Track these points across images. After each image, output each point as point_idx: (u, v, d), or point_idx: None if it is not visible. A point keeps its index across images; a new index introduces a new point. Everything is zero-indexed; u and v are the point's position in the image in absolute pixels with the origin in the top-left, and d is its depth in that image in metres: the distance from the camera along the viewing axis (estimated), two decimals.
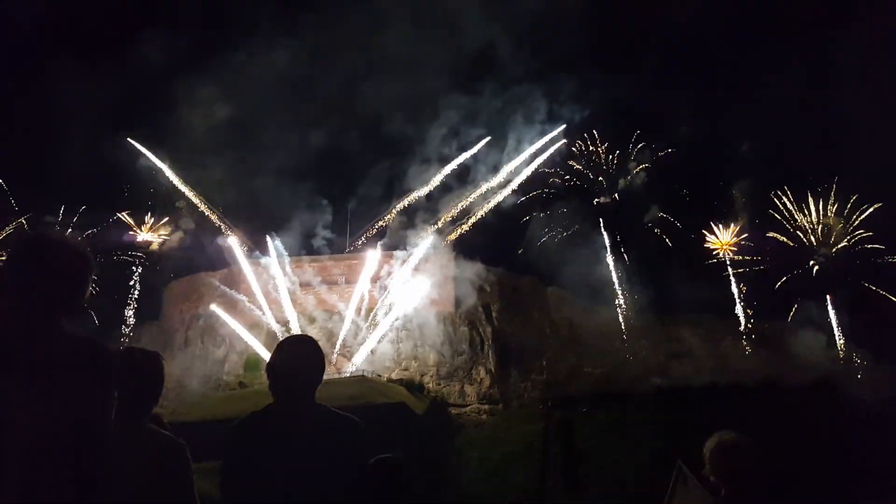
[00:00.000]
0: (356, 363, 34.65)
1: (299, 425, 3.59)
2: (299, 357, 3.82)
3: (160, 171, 41.63)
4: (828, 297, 39.58)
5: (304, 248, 42.13)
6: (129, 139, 41.26)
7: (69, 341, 2.21)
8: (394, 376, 32.89)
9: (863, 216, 40.92)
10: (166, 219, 42.77)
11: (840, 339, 38.02)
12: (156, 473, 3.30)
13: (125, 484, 2.84)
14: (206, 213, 41.52)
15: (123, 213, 42.15)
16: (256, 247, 40.83)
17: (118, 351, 3.58)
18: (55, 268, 2.26)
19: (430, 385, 33.39)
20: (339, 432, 3.70)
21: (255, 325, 36.00)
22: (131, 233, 42.38)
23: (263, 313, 36.98)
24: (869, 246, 40.48)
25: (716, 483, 3.97)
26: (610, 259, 42.56)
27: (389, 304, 37.14)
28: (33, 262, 2.26)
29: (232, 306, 36.97)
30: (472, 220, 42.16)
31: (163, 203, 42.64)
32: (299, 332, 35.92)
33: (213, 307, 35.86)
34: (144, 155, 41.37)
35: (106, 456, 2.25)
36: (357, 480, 3.75)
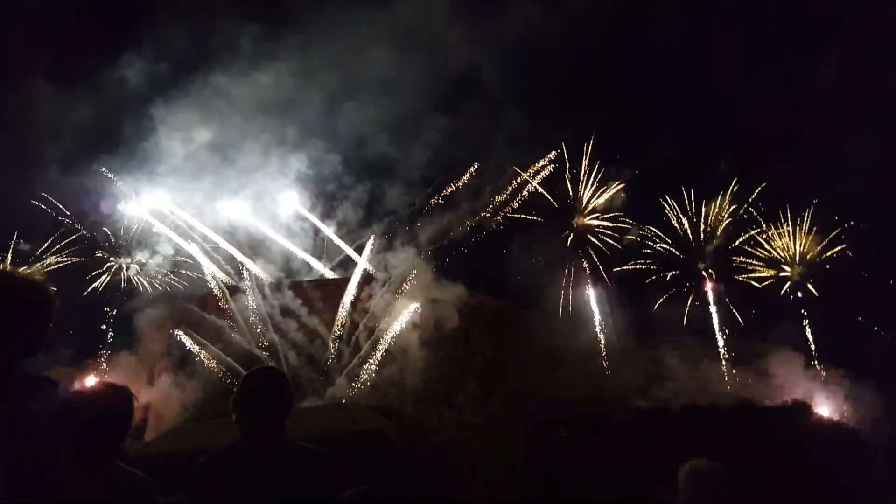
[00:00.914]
0: (335, 390, 34.32)
1: (266, 461, 3.53)
2: (265, 390, 3.76)
3: (135, 198, 41.25)
4: (804, 317, 40.13)
5: (284, 272, 41.98)
6: (103, 169, 40.84)
7: (27, 382, 2.16)
8: (372, 403, 32.59)
9: (843, 235, 41.26)
10: (142, 245, 42.30)
11: (816, 360, 38.37)
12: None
13: None
14: (184, 240, 41.13)
15: (99, 247, 41.69)
16: (236, 272, 40.55)
17: (86, 388, 3.50)
18: (16, 308, 2.20)
19: (410, 411, 33.11)
20: (309, 468, 3.65)
21: (236, 352, 35.54)
22: (108, 261, 41.83)
23: (245, 339, 36.57)
24: (863, 271, 40.61)
25: None
26: (589, 282, 42.89)
27: (370, 328, 36.99)
28: None
29: (211, 333, 36.49)
30: (453, 243, 42.39)
31: (138, 230, 42.19)
32: (286, 356, 35.73)
33: (179, 334, 35.38)
34: (118, 181, 40.96)
35: (62, 496, 2.21)
36: None
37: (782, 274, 41.94)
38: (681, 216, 43.81)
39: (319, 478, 3.82)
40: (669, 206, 44.02)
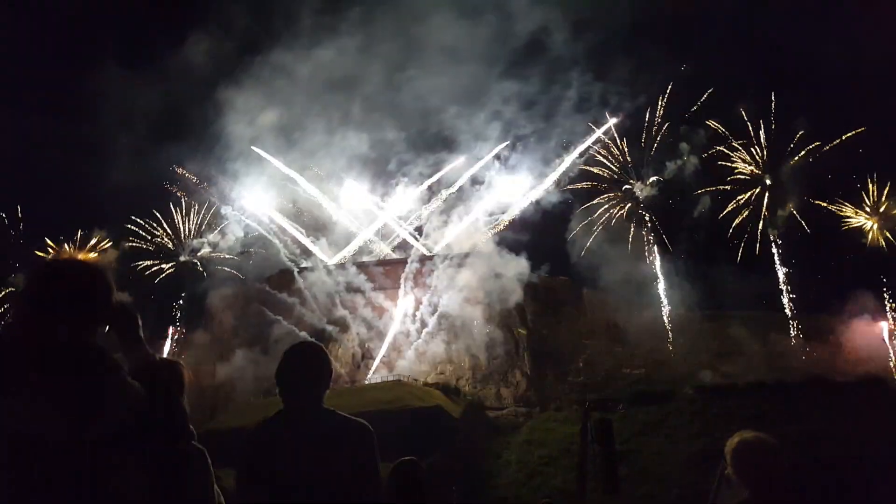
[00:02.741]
0: (401, 366, 34.93)
1: (306, 430, 3.73)
2: (303, 363, 3.98)
3: (205, 182, 42.66)
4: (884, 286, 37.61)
5: (348, 252, 42.62)
6: (178, 169, 42.21)
7: (100, 356, 2.41)
8: (430, 380, 33.01)
9: None
10: (213, 228, 43.69)
11: (887, 330, 35.83)
12: (174, 479, 3.47)
13: (142, 489, 3.05)
14: (252, 222, 42.36)
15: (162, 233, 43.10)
16: (302, 252, 41.60)
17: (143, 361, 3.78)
18: (71, 288, 2.45)
19: (467, 388, 33.35)
20: (347, 437, 3.83)
21: (307, 328, 36.47)
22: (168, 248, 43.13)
23: (316, 316, 37.52)
24: None
25: (738, 483, 3.92)
26: (655, 255, 41.32)
27: (432, 305, 37.34)
28: (50, 287, 2.46)
29: (282, 310, 37.60)
30: (510, 219, 41.79)
31: (207, 212, 43.55)
32: (356, 332, 36.49)
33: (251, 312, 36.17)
34: (186, 168, 42.38)
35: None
36: (368, 483, 3.86)
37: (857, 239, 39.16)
38: (755, 167, 41.45)
39: (358, 446, 3.96)
40: (745, 159, 41.60)
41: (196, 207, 43.46)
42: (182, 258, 43.34)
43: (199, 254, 43.60)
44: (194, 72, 44.70)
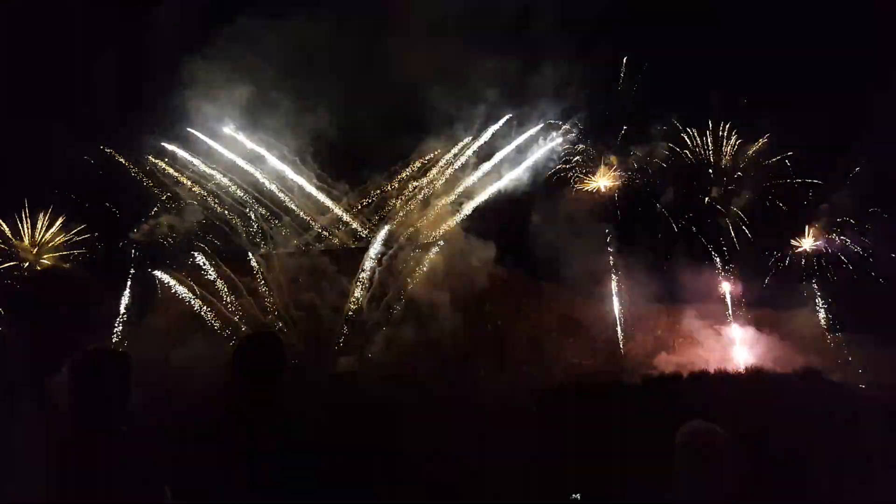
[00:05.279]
0: (359, 354, 34.77)
1: (249, 422, 3.79)
2: (256, 354, 4.05)
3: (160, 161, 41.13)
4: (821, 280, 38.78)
5: (309, 237, 41.85)
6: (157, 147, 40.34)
7: None
8: (386, 369, 32.98)
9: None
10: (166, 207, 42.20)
11: (823, 324, 37.20)
12: (125, 472, 3.50)
13: (95, 482, 3.10)
14: (207, 204, 41.22)
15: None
16: (261, 236, 40.76)
17: (85, 351, 3.74)
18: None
19: (421, 378, 33.43)
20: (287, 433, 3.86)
21: (268, 314, 35.91)
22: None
23: (274, 304, 37.03)
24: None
25: (688, 472, 4.08)
26: (612, 248, 41.69)
27: (395, 291, 37.22)
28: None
29: (242, 295, 36.89)
30: (476, 207, 41.59)
31: (161, 194, 42.00)
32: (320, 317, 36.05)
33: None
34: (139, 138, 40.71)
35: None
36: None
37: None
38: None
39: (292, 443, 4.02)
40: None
41: (146, 184, 41.80)
42: (135, 238, 41.77)
43: (153, 234, 42.17)
44: (156, 38, 42.33)
